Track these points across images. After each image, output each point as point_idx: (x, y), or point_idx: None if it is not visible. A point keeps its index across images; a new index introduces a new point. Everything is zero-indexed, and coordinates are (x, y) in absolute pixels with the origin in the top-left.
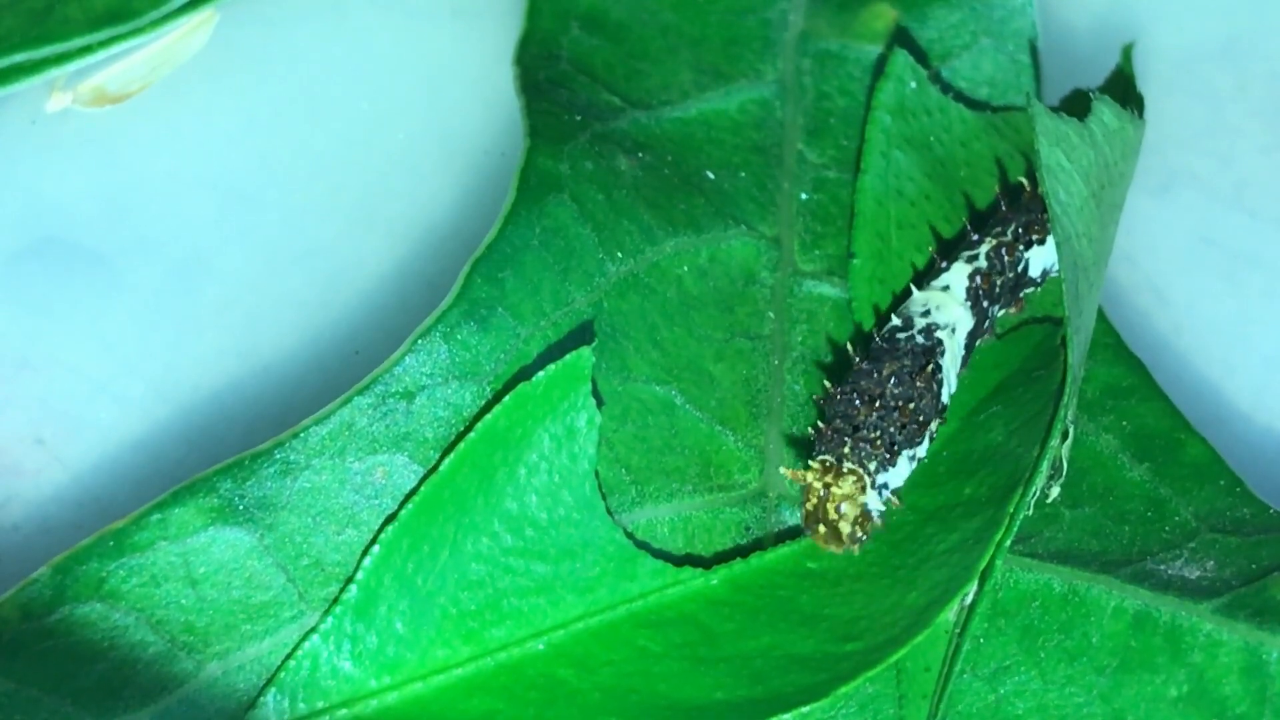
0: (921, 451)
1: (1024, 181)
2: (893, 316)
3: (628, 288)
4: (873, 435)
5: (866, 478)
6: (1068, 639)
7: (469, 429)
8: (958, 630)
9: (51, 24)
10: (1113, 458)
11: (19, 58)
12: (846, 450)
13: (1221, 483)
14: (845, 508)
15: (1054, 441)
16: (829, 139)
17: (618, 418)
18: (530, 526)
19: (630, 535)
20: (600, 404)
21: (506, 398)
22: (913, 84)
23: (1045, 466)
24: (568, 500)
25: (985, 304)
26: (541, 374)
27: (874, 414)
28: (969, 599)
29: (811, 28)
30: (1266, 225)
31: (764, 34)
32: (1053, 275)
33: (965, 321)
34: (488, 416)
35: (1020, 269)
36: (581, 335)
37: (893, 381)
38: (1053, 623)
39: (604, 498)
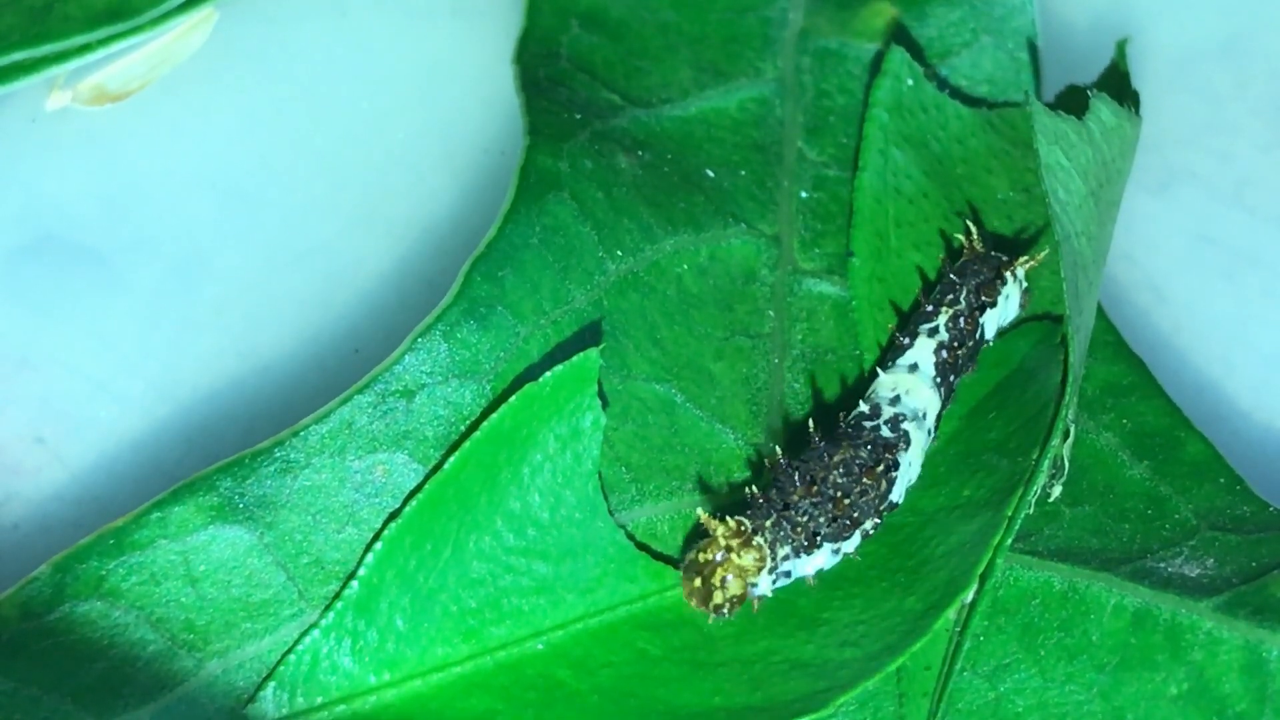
0: (849, 547)
1: (963, 240)
2: (860, 403)
3: (628, 286)
4: (799, 519)
5: (769, 561)
6: (1068, 636)
7: (474, 427)
8: (958, 628)
9: (51, 22)
10: (1113, 456)
11: (18, 56)
12: (768, 524)
13: (1221, 480)
14: (731, 580)
15: (1055, 440)
16: (829, 137)
17: (618, 416)
18: (532, 526)
19: (631, 536)
20: (603, 404)
21: (513, 398)
22: (910, 81)
23: (1046, 466)
24: (570, 500)
25: (952, 378)
26: (548, 375)
27: (808, 499)
28: (969, 598)
29: (811, 25)
30: (1266, 223)
31: (764, 32)
32: (1003, 328)
33: (934, 404)
34: (493, 416)
35: (979, 335)
36: (587, 336)
37: (840, 470)
38: (1053, 620)
39: (605, 498)
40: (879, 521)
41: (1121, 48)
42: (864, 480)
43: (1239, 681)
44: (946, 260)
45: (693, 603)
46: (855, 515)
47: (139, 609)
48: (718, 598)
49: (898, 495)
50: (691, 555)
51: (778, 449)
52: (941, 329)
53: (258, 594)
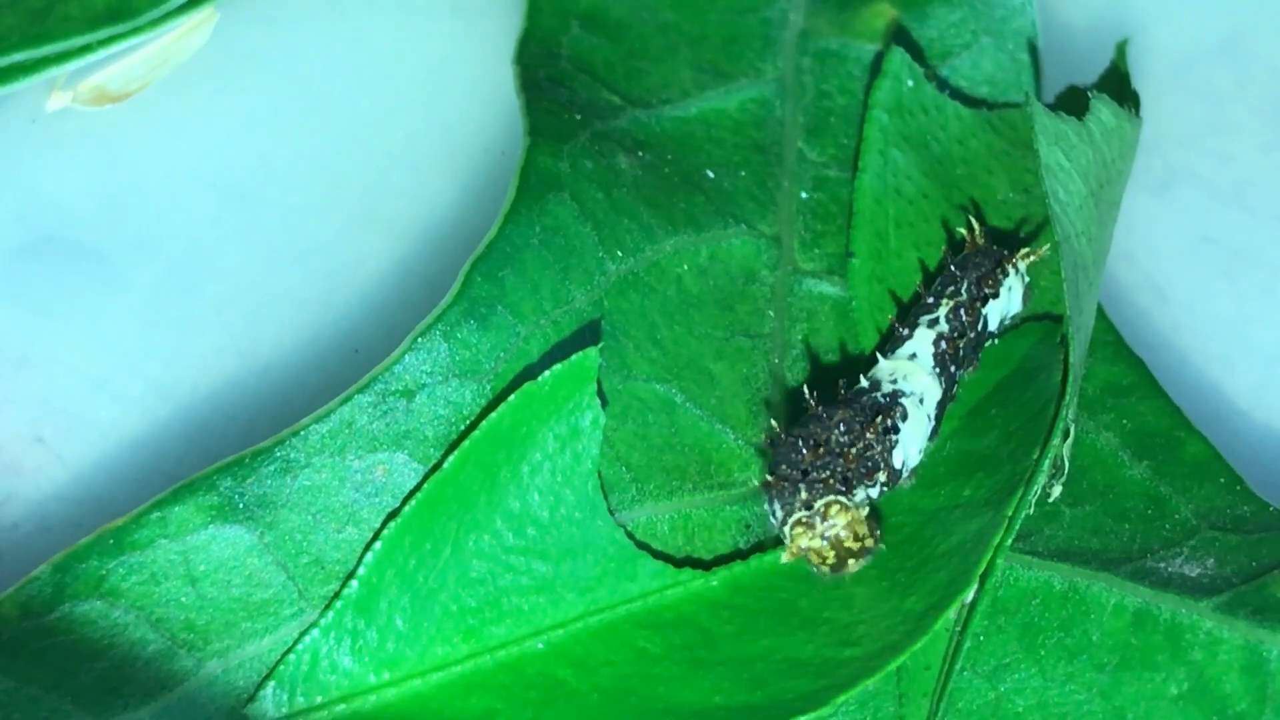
0: (874, 494)
1: (965, 234)
2: (861, 378)
3: (628, 286)
4: (823, 475)
5: (844, 499)
6: (1068, 636)
7: (473, 427)
8: (958, 628)
9: (51, 23)
10: (1113, 456)
11: (19, 56)
12: (805, 495)
13: (1221, 480)
14: (855, 529)
15: (1055, 440)
16: (829, 137)
17: (618, 416)
18: (532, 525)
19: (631, 535)
20: (603, 403)
21: (512, 396)
22: (910, 82)
23: (1046, 466)
24: (570, 499)
25: (953, 369)
26: (547, 373)
27: (819, 459)
28: (969, 598)
29: (811, 26)
30: (1266, 223)
31: (764, 32)
32: (1006, 324)
33: (934, 391)
34: (492, 415)
35: (981, 327)
36: (586, 335)
37: (841, 429)
38: (1053, 620)
39: (605, 497)
40: (896, 475)
41: (1121, 48)
42: (866, 435)
43: (1239, 681)
44: (948, 252)
45: (850, 562)
46: (869, 465)
47: (139, 609)
48: (869, 543)
49: (899, 462)
50: (829, 571)
51: (774, 422)
52: (942, 320)
53: (258, 594)
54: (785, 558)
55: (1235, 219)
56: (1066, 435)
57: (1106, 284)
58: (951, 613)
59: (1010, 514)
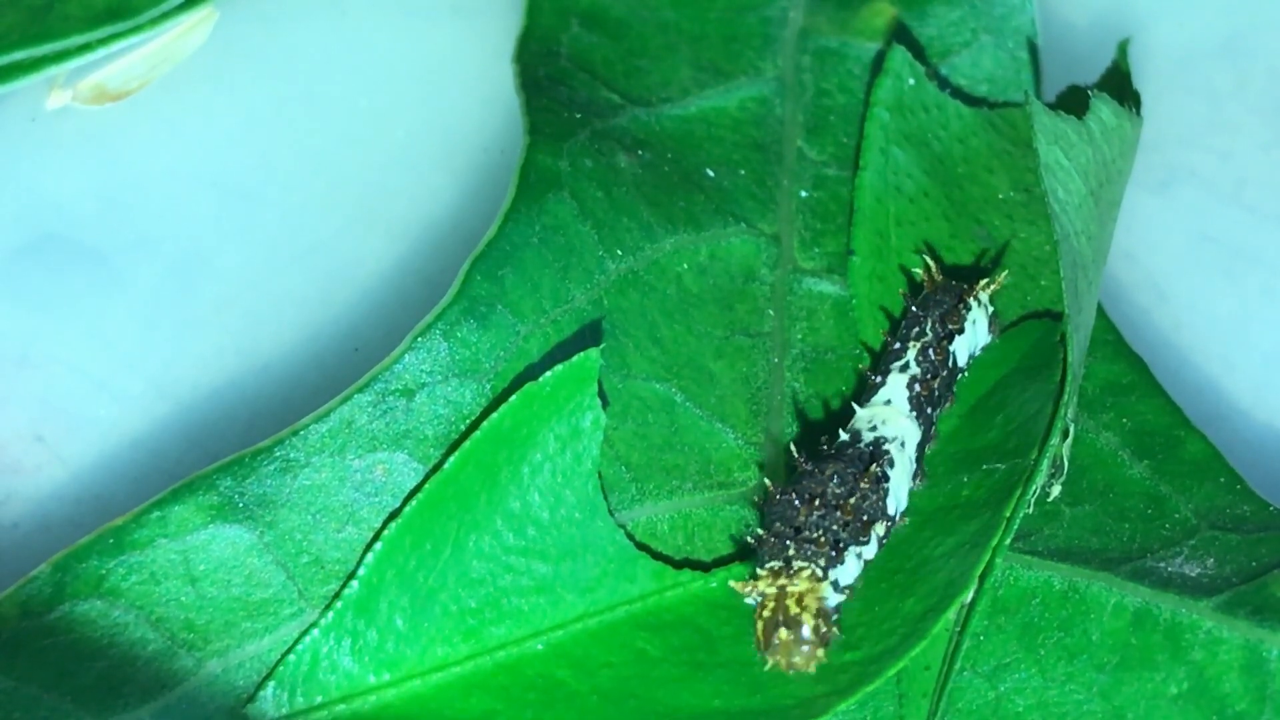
0: (869, 552)
1: (920, 274)
2: (840, 432)
3: (628, 285)
4: (815, 535)
5: (819, 571)
6: (1068, 636)
7: (474, 427)
8: (958, 628)
9: (51, 21)
10: (1113, 455)
11: (18, 55)
12: (792, 552)
13: (1221, 480)
14: (806, 601)
15: (1054, 440)
16: (829, 136)
17: (618, 415)
18: (532, 525)
19: (631, 536)
20: (603, 403)
21: (513, 397)
22: (911, 80)
23: (1045, 465)
24: (570, 500)
25: (929, 409)
26: (548, 374)
27: (815, 514)
28: (969, 598)
29: (811, 25)
30: (1266, 222)
31: (764, 31)
32: (975, 355)
33: (913, 434)
34: (493, 415)
35: (951, 364)
36: (587, 335)
37: (835, 481)
38: (1053, 620)
39: (605, 497)
40: (891, 525)
41: (1123, 48)
42: (862, 485)
43: (1239, 681)
44: (909, 295)
45: (796, 662)
46: (865, 517)
47: (139, 608)
48: (808, 621)
49: (893, 509)
50: (759, 627)
51: (768, 482)
52: (911, 363)
53: (258, 593)
54: (735, 586)
55: (1235, 218)
56: (1066, 434)
57: (1106, 283)
58: (951, 614)
59: (1009, 514)
